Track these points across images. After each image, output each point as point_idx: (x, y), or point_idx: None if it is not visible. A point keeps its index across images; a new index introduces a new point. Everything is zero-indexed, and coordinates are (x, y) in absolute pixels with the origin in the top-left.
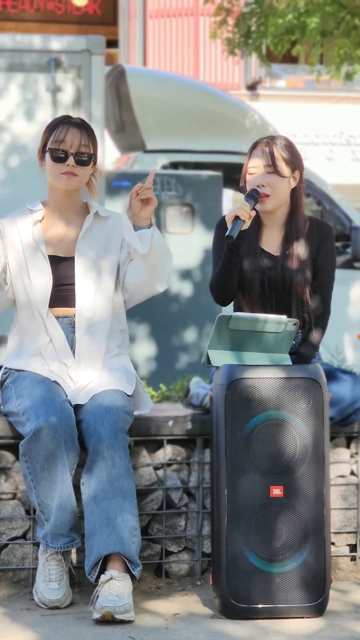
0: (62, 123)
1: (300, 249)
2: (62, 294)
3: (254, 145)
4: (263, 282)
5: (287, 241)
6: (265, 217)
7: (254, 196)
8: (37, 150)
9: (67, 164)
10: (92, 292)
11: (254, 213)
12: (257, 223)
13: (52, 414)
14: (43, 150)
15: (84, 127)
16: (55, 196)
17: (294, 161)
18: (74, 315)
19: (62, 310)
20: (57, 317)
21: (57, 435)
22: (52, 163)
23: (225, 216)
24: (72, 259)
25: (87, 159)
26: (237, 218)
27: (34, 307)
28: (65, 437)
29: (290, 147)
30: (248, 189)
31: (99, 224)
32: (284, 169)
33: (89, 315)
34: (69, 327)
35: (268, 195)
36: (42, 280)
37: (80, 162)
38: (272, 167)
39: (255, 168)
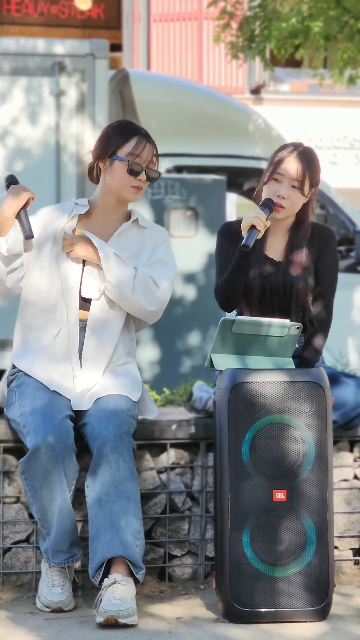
0: (136, 134)
1: (302, 256)
2: (83, 297)
3: (286, 153)
4: (265, 288)
5: (291, 248)
6: (271, 223)
7: (269, 205)
8: (94, 148)
9: (139, 178)
10: (100, 282)
11: (269, 223)
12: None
13: (50, 432)
14: (109, 154)
15: (153, 142)
16: (109, 200)
17: (315, 178)
18: (87, 319)
19: (80, 313)
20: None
21: (54, 454)
22: (124, 173)
23: (227, 223)
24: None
25: (156, 176)
26: (252, 227)
27: (58, 303)
28: (64, 456)
29: (316, 163)
30: (267, 192)
31: (135, 231)
32: (307, 187)
33: (103, 316)
34: (80, 330)
35: (284, 208)
36: (73, 278)
37: (150, 179)
38: (299, 184)
39: (281, 176)
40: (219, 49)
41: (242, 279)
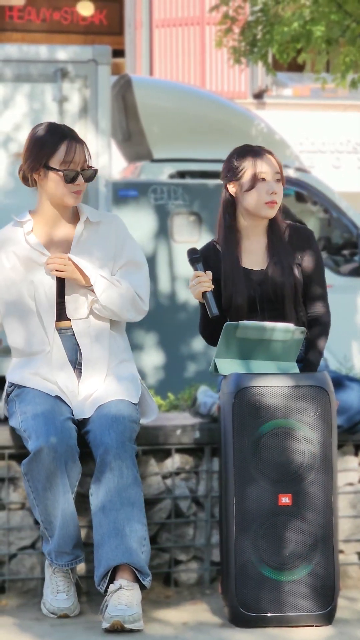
0: (62, 139)
1: (284, 257)
2: (60, 305)
3: (257, 152)
4: (254, 299)
5: (271, 251)
6: (249, 229)
7: (197, 258)
8: (25, 158)
9: (77, 183)
10: (86, 301)
11: (210, 274)
12: (234, 239)
13: (52, 434)
14: (42, 164)
15: (81, 141)
16: (52, 208)
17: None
18: (72, 327)
19: (62, 323)
20: (60, 329)
21: (57, 455)
22: (61, 183)
23: (204, 247)
24: None
25: (93, 174)
26: (204, 293)
27: (35, 319)
28: (66, 457)
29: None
30: (256, 195)
31: (90, 230)
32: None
33: (84, 325)
34: (71, 338)
35: (276, 203)
36: (47, 290)
37: (88, 179)
38: (279, 175)
39: (265, 174)
40: (222, 54)
41: (212, 324)
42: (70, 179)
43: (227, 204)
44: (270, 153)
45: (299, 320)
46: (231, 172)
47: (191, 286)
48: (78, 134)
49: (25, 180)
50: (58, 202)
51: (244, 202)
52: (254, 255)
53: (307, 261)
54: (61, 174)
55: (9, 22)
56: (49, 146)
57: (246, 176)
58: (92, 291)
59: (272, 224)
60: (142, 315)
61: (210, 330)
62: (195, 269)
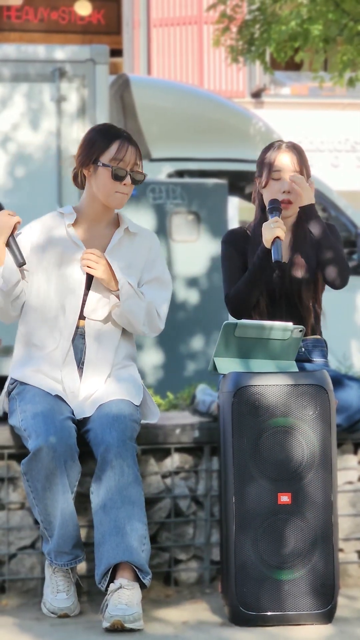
0: (118, 137)
1: (307, 255)
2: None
3: (276, 149)
4: (273, 291)
5: (294, 247)
6: None
7: (278, 208)
8: (77, 155)
9: (124, 183)
10: (107, 304)
11: (285, 228)
12: (261, 230)
13: (52, 433)
14: (93, 160)
15: (135, 144)
16: (95, 206)
17: (308, 168)
18: (85, 326)
19: (78, 321)
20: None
21: (56, 455)
22: (109, 179)
23: (231, 231)
24: None
25: (142, 178)
26: (277, 238)
27: (58, 313)
28: (65, 457)
29: (303, 155)
30: (270, 194)
31: (127, 239)
32: (305, 176)
33: (97, 326)
34: (80, 337)
35: (291, 203)
36: (78, 287)
37: (135, 182)
38: (300, 174)
39: (279, 172)
40: (220, 53)
41: (260, 286)
42: (118, 177)
43: (256, 197)
44: (293, 151)
45: (315, 321)
46: (258, 167)
47: (266, 227)
48: (133, 138)
49: (75, 178)
50: (102, 202)
51: (264, 198)
52: None
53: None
54: (110, 169)
55: (7, 21)
56: (101, 142)
57: (264, 174)
58: (116, 296)
59: (299, 221)
60: (155, 333)
61: (244, 298)
62: (277, 218)
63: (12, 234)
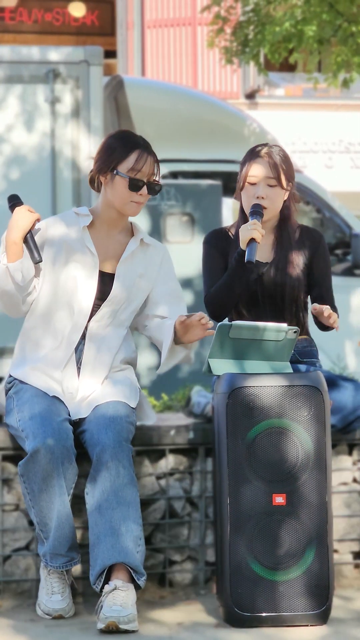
0: (137, 147)
1: (291, 255)
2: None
3: (255, 154)
4: (255, 291)
5: (278, 247)
6: None
7: (260, 212)
8: (95, 160)
9: (140, 193)
10: (114, 313)
11: (264, 231)
12: None
13: (49, 435)
14: (111, 168)
15: (154, 154)
16: (110, 212)
17: (291, 173)
18: (86, 328)
19: None
20: None
21: (54, 457)
22: (126, 189)
23: (213, 231)
24: (108, 275)
25: (159, 188)
26: (252, 240)
27: (65, 313)
28: (62, 459)
29: (287, 159)
30: (245, 197)
31: (140, 250)
32: (284, 182)
33: (100, 331)
34: (79, 339)
35: (266, 208)
36: (88, 290)
37: (152, 192)
38: (276, 180)
39: (255, 177)
40: (214, 54)
41: (238, 288)
42: (135, 187)
43: (238, 199)
44: (270, 156)
45: (299, 321)
46: (239, 169)
47: (244, 229)
48: (151, 147)
49: (91, 182)
50: (117, 209)
51: (242, 201)
52: (260, 249)
53: (317, 263)
54: (127, 180)
55: (1, 23)
56: (120, 152)
57: (241, 178)
58: (129, 298)
59: (282, 223)
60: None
61: (222, 299)
62: (256, 220)
63: (30, 231)
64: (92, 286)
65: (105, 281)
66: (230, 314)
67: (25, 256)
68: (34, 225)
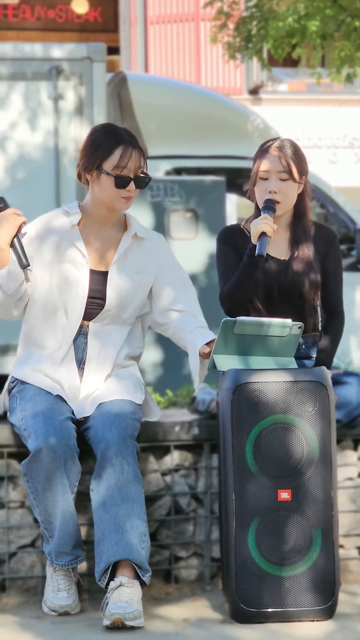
0: (121, 142)
1: (307, 252)
2: (87, 306)
3: (265, 149)
4: (272, 288)
5: (294, 244)
6: None
7: (272, 207)
8: (80, 156)
9: (128, 189)
10: (115, 314)
11: (276, 226)
12: None
13: (52, 434)
14: (95, 166)
15: (138, 147)
16: (101, 209)
17: (303, 166)
18: (88, 326)
19: (82, 322)
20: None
21: (56, 456)
22: (112, 187)
23: (226, 228)
24: (103, 273)
25: (147, 182)
26: (263, 234)
27: (60, 314)
28: (65, 458)
29: (298, 152)
30: (258, 193)
31: (135, 244)
32: (296, 175)
33: (102, 328)
34: (82, 337)
35: (279, 202)
36: (79, 289)
37: (140, 186)
38: (287, 174)
39: (266, 172)
40: (217, 50)
41: (250, 284)
42: (121, 185)
43: (251, 195)
44: (282, 150)
45: (316, 317)
46: (252, 164)
47: (255, 223)
48: (137, 139)
49: (79, 177)
50: (107, 205)
51: (256, 196)
52: (276, 245)
53: (329, 262)
54: (113, 178)
55: (4, 20)
56: (104, 149)
57: (253, 174)
58: (128, 296)
59: (297, 219)
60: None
61: (236, 296)
62: (268, 215)
63: (16, 234)
64: (83, 286)
65: (100, 280)
66: (247, 311)
67: (12, 262)
68: (20, 228)
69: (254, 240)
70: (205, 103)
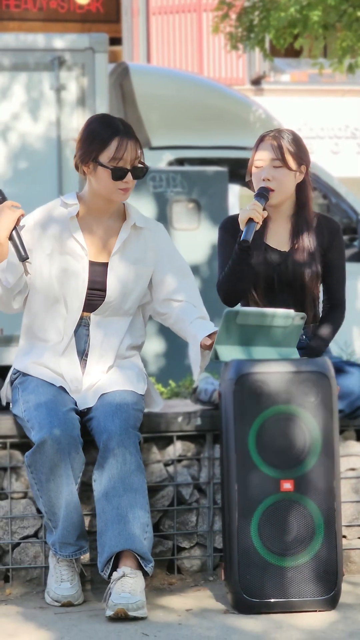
0: (116, 134)
1: (308, 243)
2: (87, 298)
3: (261, 139)
4: (272, 279)
5: (295, 235)
6: (271, 210)
7: (264, 195)
8: (77, 148)
9: (125, 181)
10: (117, 306)
11: (266, 213)
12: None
13: (56, 425)
14: (92, 159)
15: (134, 137)
16: (98, 201)
17: (301, 155)
18: (90, 317)
19: (82, 313)
20: (80, 319)
21: (60, 447)
22: (109, 179)
23: (229, 217)
24: (103, 265)
25: (144, 172)
26: (250, 220)
27: (60, 307)
28: (69, 449)
29: (297, 141)
30: (254, 182)
31: (134, 234)
32: (291, 162)
33: (104, 319)
34: (84, 328)
35: (273, 190)
36: (79, 282)
37: (137, 177)
38: (280, 161)
39: (261, 161)
40: (219, 40)
41: (242, 272)
42: (118, 177)
43: (251, 184)
44: (277, 140)
45: (317, 308)
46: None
47: (243, 210)
48: (133, 130)
49: (77, 168)
50: (105, 197)
51: (253, 185)
52: (277, 236)
53: (332, 253)
54: (109, 170)
55: (6, 11)
56: (100, 140)
57: (249, 163)
58: (128, 287)
59: (299, 210)
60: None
61: (230, 285)
62: (258, 202)
63: (15, 227)
64: (83, 278)
65: (100, 271)
66: (247, 300)
67: (11, 255)
68: (18, 221)
69: (241, 225)
70: (208, 94)
